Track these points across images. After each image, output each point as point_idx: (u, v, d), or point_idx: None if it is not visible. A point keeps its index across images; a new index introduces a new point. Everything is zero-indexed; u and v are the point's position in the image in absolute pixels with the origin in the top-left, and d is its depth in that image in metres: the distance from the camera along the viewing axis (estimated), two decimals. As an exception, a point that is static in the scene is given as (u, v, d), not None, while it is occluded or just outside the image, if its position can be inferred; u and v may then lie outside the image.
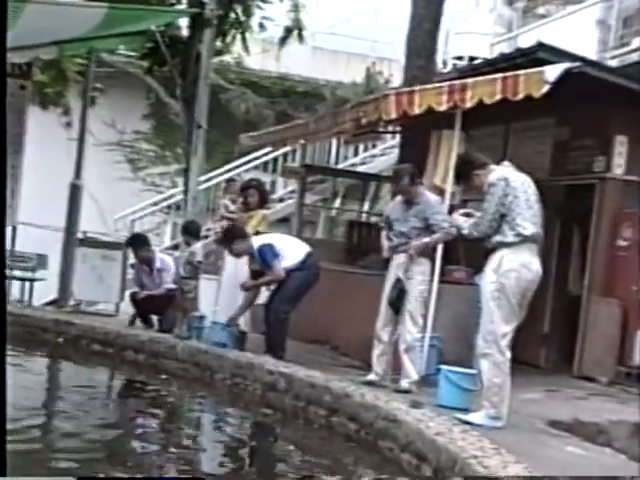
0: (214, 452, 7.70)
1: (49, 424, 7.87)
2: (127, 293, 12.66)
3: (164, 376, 10.04)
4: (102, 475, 5.11)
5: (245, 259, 10.48)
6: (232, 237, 10.22)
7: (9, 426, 6.73)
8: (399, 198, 9.31)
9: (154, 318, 12.06)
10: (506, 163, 7.92)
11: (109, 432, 7.80)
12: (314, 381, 8.37)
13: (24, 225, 13.92)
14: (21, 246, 13.85)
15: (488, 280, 7.33)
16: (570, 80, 9.04)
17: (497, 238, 7.38)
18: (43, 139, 17.53)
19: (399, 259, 9.02)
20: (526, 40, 17.02)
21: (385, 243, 9.33)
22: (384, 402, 7.47)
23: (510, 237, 7.34)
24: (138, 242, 12.37)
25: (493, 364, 7.25)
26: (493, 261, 7.35)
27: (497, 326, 7.24)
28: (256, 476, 6.68)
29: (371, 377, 8.83)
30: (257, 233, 10.53)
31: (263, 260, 10.02)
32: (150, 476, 5.25)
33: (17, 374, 9.77)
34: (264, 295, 10.56)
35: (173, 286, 11.83)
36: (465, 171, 7.90)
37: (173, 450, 7.13)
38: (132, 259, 12.79)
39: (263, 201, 10.77)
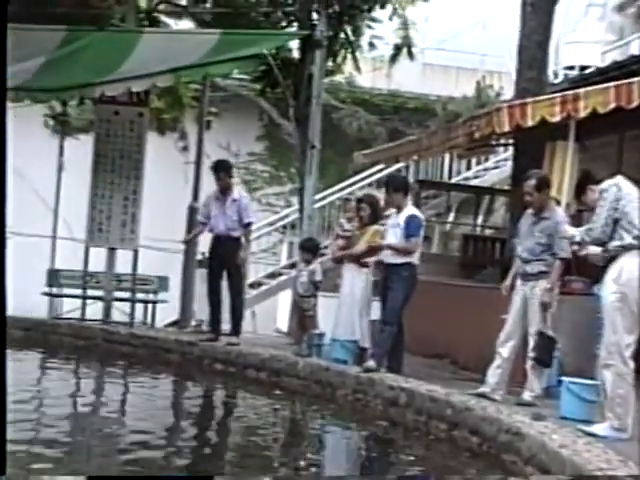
0: (337, 465, 7.79)
1: (175, 439, 8.06)
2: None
3: (286, 393, 10.16)
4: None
5: (363, 272, 10.63)
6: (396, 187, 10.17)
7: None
8: (529, 211, 9.07)
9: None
10: (620, 177, 7.85)
11: (234, 445, 8.00)
12: (435, 395, 8.39)
13: (145, 248, 14.25)
14: (142, 269, 14.18)
15: (609, 290, 7.28)
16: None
17: (615, 243, 7.32)
18: (161, 164, 17.97)
19: (527, 286, 8.86)
20: (639, 47, 16.81)
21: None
22: (506, 415, 7.45)
23: (628, 239, 7.26)
24: (223, 166, 12.13)
25: (617, 375, 7.18)
26: (613, 271, 7.30)
27: (620, 337, 7.18)
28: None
29: (483, 389, 8.77)
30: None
31: (410, 229, 9.86)
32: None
33: (145, 395, 10.11)
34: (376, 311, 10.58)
35: (253, 219, 12.22)
36: (581, 185, 7.90)
37: (301, 464, 7.26)
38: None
39: (376, 216, 10.81)
